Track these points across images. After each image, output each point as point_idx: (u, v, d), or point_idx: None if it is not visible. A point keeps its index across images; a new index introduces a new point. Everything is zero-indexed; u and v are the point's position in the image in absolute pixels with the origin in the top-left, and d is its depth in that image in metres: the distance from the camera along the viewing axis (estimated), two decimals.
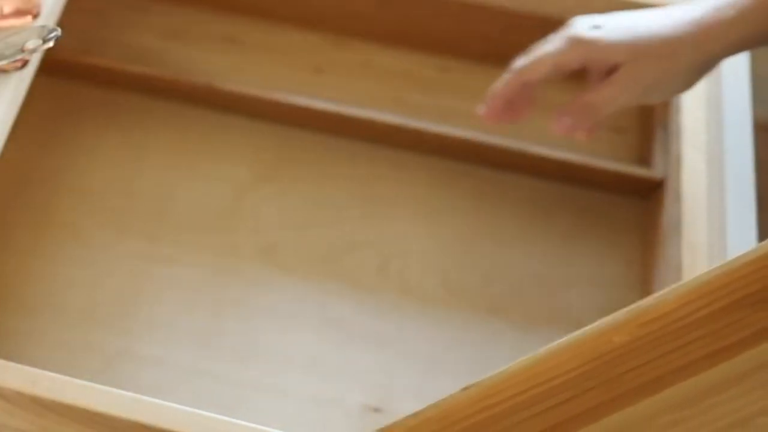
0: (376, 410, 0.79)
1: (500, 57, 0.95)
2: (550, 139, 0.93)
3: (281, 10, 1.00)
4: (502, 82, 0.77)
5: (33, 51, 0.69)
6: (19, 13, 0.73)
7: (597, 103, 0.73)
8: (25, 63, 0.72)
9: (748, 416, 0.56)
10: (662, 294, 0.56)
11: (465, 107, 0.97)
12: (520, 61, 0.76)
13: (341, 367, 0.81)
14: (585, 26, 0.73)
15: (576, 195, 0.91)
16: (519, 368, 0.57)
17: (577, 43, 0.73)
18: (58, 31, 0.69)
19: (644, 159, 0.92)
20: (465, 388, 0.58)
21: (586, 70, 0.75)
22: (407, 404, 0.79)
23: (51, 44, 0.68)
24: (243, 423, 0.66)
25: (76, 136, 0.93)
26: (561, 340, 0.57)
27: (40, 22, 0.74)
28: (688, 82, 0.74)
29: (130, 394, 0.66)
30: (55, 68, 0.92)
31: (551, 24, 0.89)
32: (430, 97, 0.97)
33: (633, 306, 0.56)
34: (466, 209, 0.91)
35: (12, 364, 0.67)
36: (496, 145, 0.91)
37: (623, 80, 0.72)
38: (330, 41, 1.00)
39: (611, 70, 0.72)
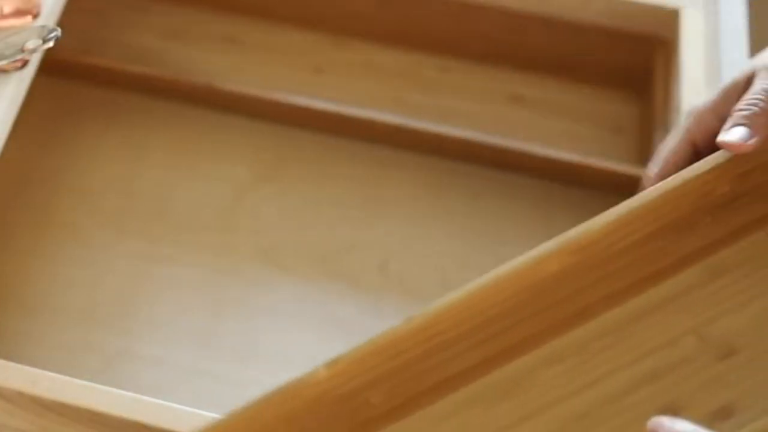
0: None
1: (500, 57, 0.96)
2: (550, 139, 0.93)
3: (281, 10, 1.00)
4: (640, 190, 0.63)
5: (33, 51, 0.69)
6: (19, 13, 0.73)
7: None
8: (25, 63, 0.73)
9: (675, 337, 0.59)
10: (589, 223, 0.59)
11: (465, 107, 0.97)
12: (652, 165, 0.65)
13: None
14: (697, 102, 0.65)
15: (576, 195, 0.91)
16: (456, 300, 0.59)
17: (702, 112, 0.63)
18: (58, 31, 0.69)
19: (644, 159, 0.92)
20: (408, 320, 0.59)
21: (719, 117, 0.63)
22: None
23: (51, 44, 0.68)
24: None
25: (76, 136, 0.93)
26: (496, 271, 0.59)
27: (40, 22, 0.74)
28: None
29: (130, 394, 0.66)
30: (55, 68, 0.92)
31: (552, 24, 0.90)
32: (430, 97, 0.97)
33: (562, 235, 0.59)
34: (466, 209, 0.91)
35: (12, 364, 0.67)
36: (496, 144, 0.91)
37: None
38: (330, 41, 1.00)
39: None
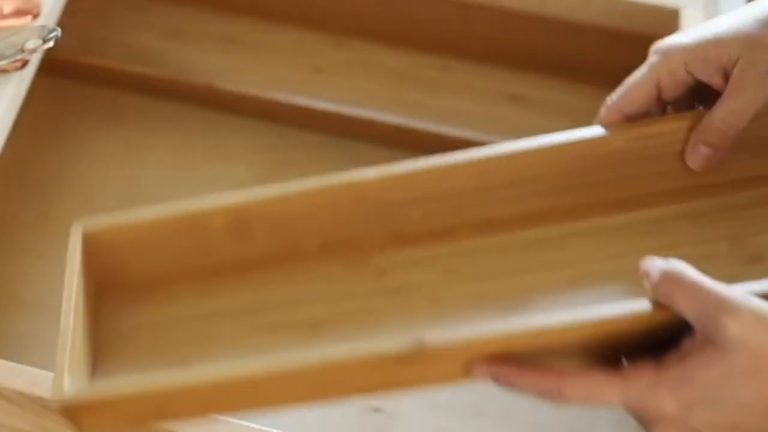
0: (376, 410, 0.79)
1: (500, 57, 0.96)
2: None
3: (281, 10, 1.00)
4: (599, 120, 0.66)
5: (33, 51, 0.69)
6: (19, 13, 0.73)
7: (728, 121, 0.62)
8: (25, 63, 0.73)
9: (710, 239, 0.64)
10: (659, 118, 0.65)
11: (465, 107, 0.97)
12: (613, 95, 0.65)
13: None
14: (671, 38, 0.63)
15: None
16: (518, 149, 0.65)
17: (674, 50, 0.62)
18: (58, 31, 0.69)
19: None
20: (465, 152, 0.65)
21: (691, 81, 0.64)
22: (407, 404, 0.79)
23: (51, 44, 0.68)
24: (243, 423, 0.66)
25: (76, 136, 0.93)
26: (564, 134, 0.66)
27: (40, 22, 0.74)
28: None
29: None
30: (55, 68, 0.92)
31: (551, 24, 0.90)
32: (430, 97, 0.97)
33: (631, 123, 0.64)
34: None
35: (12, 364, 0.67)
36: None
37: (746, 80, 0.60)
38: (330, 41, 1.00)
39: (726, 76, 0.62)
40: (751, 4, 0.63)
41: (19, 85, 0.73)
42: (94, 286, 0.66)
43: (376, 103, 0.95)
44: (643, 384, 0.53)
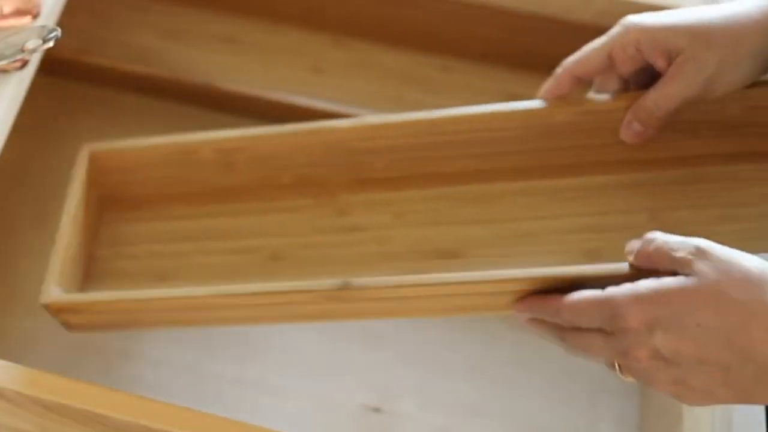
0: (376, 410, 0.79)
1: (500, 57, 0.96)
2: None
3: (281, 10, 1.00)
4: (552, 79, 0.72)
5: (33, 51, 0.69)
6: (19, 13, 0.73)
7: (659, 103, 0.69)
8: (25, 63, 0.73)
9: (632, 210, 0.72)
10: (605, 96, 0.72)
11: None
12: (571, 57, 0.72)
13: (341, 367, 0.81)
14: (637, 15, 0.69)
15: None
16: (472, 112, 0.74)
17: (632, 26, 0.68)
18: (58, 31, 0.69)
19: None
20: (429, 112, 0.74)
21: (640, 58, 0.69)
22: (407, 404, 0.80)
23: (51, 44, 0.68)
24: (243, 423, 0.66)
25: (76, 136, 0.93)
26: (513, 104, 0.73)
27: (40, 22, 0.74)
28: (753, 71, 0.68)
29: (130, 394, 0.66)
30: (55, 68, 0.92)
31: (552, 24, 0.90)
32: (430, 97, 0.97)
33: (581, 97, 0.72)
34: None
35: (12, 364, 0.67)
36: None
37: (684, 71, 0.67)
38: (330, 41, 1.00)
39: (669, 61, 0.67)
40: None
41: (19, 85, 0.73)
42: (94, 201, 0.75)
43: (376, 103, 0.95)
44: (620, 297, 0.58)
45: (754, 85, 0.69)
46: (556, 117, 0.72)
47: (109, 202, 0.77)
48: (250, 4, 1.01)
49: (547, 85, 0.73)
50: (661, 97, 0.68)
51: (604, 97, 0.72)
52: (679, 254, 0.58)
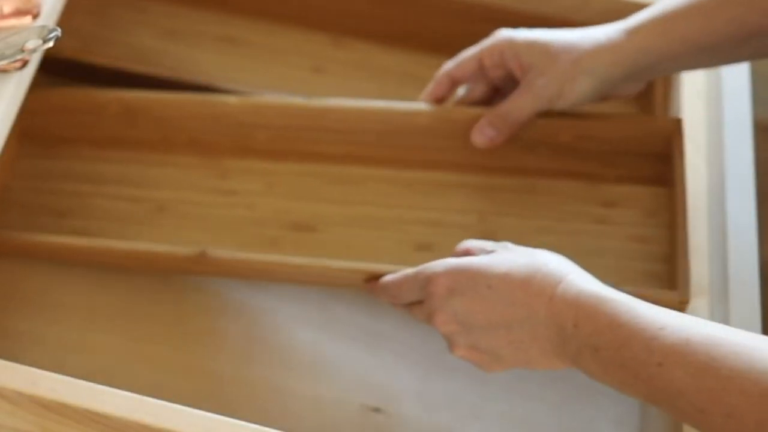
0: (376, 410, 0.79)
1: None
2: None
3: (281, 10, 1.00)
4: (432, 81, 0.84)
5: (33, 51, 0.69)
6: (19, 13, 0.73)
7: (512, 113, 0.80)
8: (25, 63, 0.72)
9: (467, 210, 0.85)
10: (471, 107, 0.85)
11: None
12: (448, 63, 0.84)
13: (341, 367, 0.81)
14: (508, 30, 0.80)
15: None
16: (349, 105, 0.86)
17: (498, 39, 0.80)
18: (58, 31, 0.69)
19: None
20: (310, 99, 0.88)
21: (506, 73, 0.81)
22: (407, 404, 0.79)
23: (51, 44, 0.68)
24: (243, 423, 0.66)
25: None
26: (381, 102, 0.87)
27: (40, 22, 0.74)
28: (592, 90, 0.78)
29: (130, 394, 0.66)
30: (55, 68, 0.92)
31: (551, 24, 0.90)
32: None
33: (445, 107, 0.86)
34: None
35: (12, 364, 0.67)
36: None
37: (533, 86, 0.78)
38: (330, 41, 1.00)
39: (526, 71, 0.78)
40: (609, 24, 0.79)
41: (19, 85, 0.73)
42: (15, 135, 0.85)
43: None
44: (433, 266, 0.70)
45: (587, 117, 0.82)
46: (417, 118, 0.85)
47: (29, 137, 0.88)
48: (250, 4, 1.00)
49: (429, 86, 0.85)
50: (514, 108, 0.79)
51: (461, 107, 0.84)
52: (489, 247, 0.70)
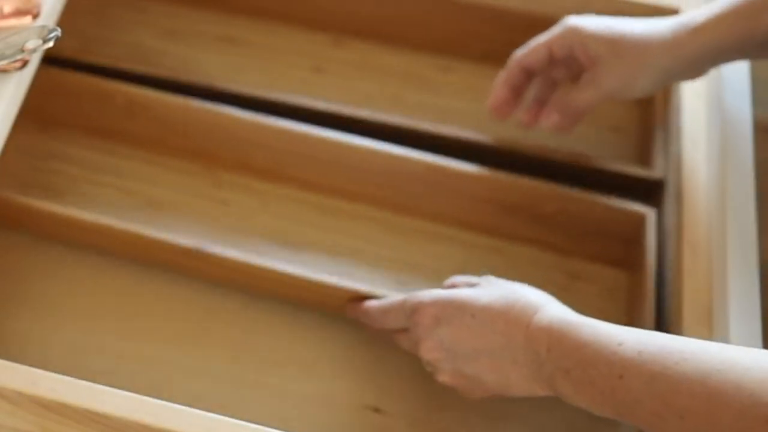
0: (376, 410, 0.79)
1: (500, 57, 0.95)
2: (550, 139, 0.93)
3: (281, 10, 1.00)
4: (505, 70, 0.86)
5: (33, 51, 0.69)
6: (19, 13, 0.73)
7: (579, 103, 0.82)
8: (25, 63, 0.72)
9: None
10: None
11: (465, 107, 0.97)
12: (519, 50, 0.85)
13: (341, 367, 0.81)
14: (578, 17, 0.82)
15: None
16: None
17: (567, 28, 0.82)
18: (58, 31, 0.69)
19: (644, 159, 0.92)
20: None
21: (575, 63, 0.83)
22: (407, 404, 0.79)
23: (51, 44, 0.68)
24: (243, 423, 0.66)
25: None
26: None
27: (40, 22, 0.74)
28: (653, 84, 0.81)
29: (130, 394, 0.66)
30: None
31: (551, 24, 0.90)
32: (430, 97, 0.97)
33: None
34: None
35: (12, 364, 0.67)
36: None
37: (597, 78, 0.81)
38: (330, 41, 1.00)
39: (593, 62, 0.80)
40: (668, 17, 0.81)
41: (19, 85, 0.73)
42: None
43: (376, 103, 0.95)
44: (420, 296, 0.74)
45: (570, 195, 0.86)
46: (413, 167, 0.87)
47: (29, 114, 0.86)
48: (250, 4, 1.01)
49: (501, 74, 0.86)
50: (578, 98, 0.82)
51: (454, 164, 0.87)
52: (474, 281, 0.74)
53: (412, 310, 0.74)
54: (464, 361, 0.71)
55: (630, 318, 0.83)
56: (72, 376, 0.67)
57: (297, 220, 0.88)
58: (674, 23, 0.80)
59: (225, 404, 0.78)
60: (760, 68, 0.92)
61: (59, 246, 0.86)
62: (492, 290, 0.71)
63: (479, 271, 0.77)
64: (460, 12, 0.97)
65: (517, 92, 0.86)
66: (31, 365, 0.67)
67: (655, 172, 0.88)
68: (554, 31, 0.83)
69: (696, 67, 0.80)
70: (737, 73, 0.88)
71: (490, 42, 0.98)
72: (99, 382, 0.67)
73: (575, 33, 0.81)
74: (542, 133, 0.90)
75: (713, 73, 0.88)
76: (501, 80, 0.86)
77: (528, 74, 0.85)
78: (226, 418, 0.66)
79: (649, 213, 0.85)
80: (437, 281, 0.80)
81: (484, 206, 0.87)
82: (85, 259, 0.85)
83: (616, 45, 0.80)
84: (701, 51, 0.78)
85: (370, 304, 0.78)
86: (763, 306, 0.75)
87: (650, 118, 0.93)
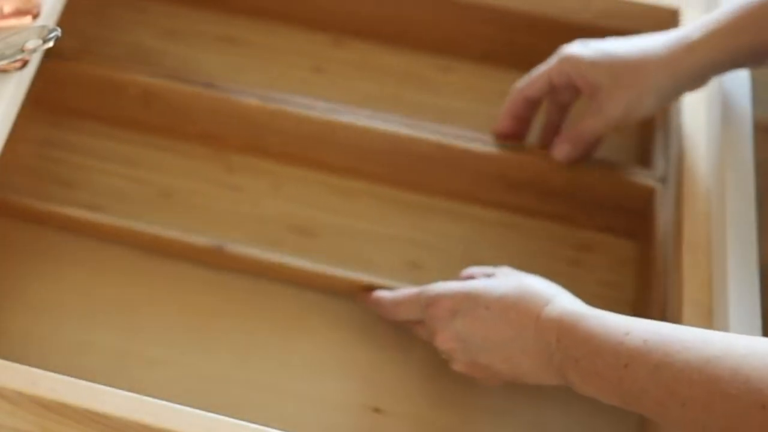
0: (376, 410, 0.79)
1: (500, 57, 0.96)
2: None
3: (281, 10, 1.00)
4: (508, 101, 0.87)
5: (33, 51, 0.69)
6: (19, 13, 0.73)
7: (586, 132, 0.84)
8: (25, 63, 0.72)
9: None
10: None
11: (465, 107, 0.97)
12: (521, 81, 0.86)
13: (341, 367, 0.81)
14: (574, 46, 0.83)
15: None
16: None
17: (565, 59, 0.83)
18: (58, 31, 0.69)
19: (644, 159, 0.92)
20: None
21: (577, 89, 0.84)
22: (407, 404, 0.79)
23: (51, 44, 0.68)
24: (243, 423, 0.66)
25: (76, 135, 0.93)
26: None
27: (40, 22, 0.74)
28: (662, 101, 0.82)
29: (130, 394, 0.66)
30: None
31: (551, 24, 0.90)
32: (430, 97, 0.97)
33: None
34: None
35: (12, 364, 0.67)
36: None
37: (603, 109, 0.82)
38: (330, 41, 1.00)
39: (594, 90, 0.82)
40: (667, 31, 0.82)
41: (19, 85, 0.73)
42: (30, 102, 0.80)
43: (376, 103, 0.95)
44: (436, 289, 0.76)
45: (580, 168, 0.86)
46: (422, 146, 0.88)
47: (41, 104, 0.90)
48: (250, 4, 1.01)
49: (504, 106, 0.87)
50: (587, 128, 0.83)
51: (463, 143, 0.87)
52: (489, 272, 0.77)
53: (428, 303, 0.76)
54: (478, 351, 0.73)
55: (639, 289, 0.85)
56: (72, 376, 0.67)
57: (309, 202, 0.89)
58: (670, 40, 0.80)
59: (225, 404, 0.78)
60: (760, 69, 0.92)
61: (57, 243, 0.86)
62: (505, 282, 0.73)
63: (491, 247, 0.83)
64: (460, 12, 0.97)
65: (522, 122, 0.87)
66: (31, 365, 0.67)
67: (655, 172, 0.88)
68: (551, 61, 0.84)
69: (695, 81, 0.81)
70: (737, 74, 0.88)
71: (490, 42, 0.98)
72: (98, 382, 0.67)
73: (572, 63, 0.82)
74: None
75: None
76: (505, 111, 0.87)
77: (531, 104, 0.86)
78: (226, 418, 0.66)
79: (658, 186, 0.85)
80: (449, 260, 0.84)
81: (495, 182, 0.88)
82: (85, 257, 0.85)
83: (615, 71, 0.80)
84: (698, 66, 0.79)
85: (383, 294, 0.80)
86: (763, 306, 0.75)
87: (650, 118, 0.93)
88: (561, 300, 0.70)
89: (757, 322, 0.73)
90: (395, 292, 0.80)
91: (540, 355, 0.69)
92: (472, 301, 0.73)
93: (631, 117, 0.82)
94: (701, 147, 0.86)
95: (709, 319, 0.74)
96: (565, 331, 0.67)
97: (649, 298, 0.81)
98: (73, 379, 0.67)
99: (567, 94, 0.85)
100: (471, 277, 0.77)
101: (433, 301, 0.76)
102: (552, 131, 0.88)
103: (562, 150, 0.85)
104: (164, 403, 0.66)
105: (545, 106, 0.87)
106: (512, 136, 0.87)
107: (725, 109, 0.85)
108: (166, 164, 0.91)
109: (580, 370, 0.65)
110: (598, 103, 0.82)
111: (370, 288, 0.82)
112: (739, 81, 0.88)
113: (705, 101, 0.88)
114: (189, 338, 0.82)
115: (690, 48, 0.79)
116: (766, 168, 0.88)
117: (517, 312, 0.71)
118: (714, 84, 0.88)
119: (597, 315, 0.66)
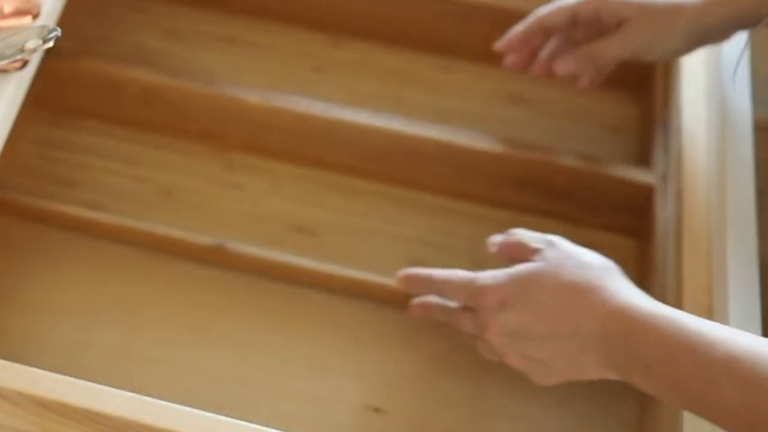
0: (376, 410, 0.79)
1: (500, 57, 0.95)
2: (550, 139, 0.93)
3: (281, 10, 1.00)
4: (522, 24, 0.85)
5: (33, 51, 0.69)
6: (19, 13, 0.73)
7: (599, 52, 0.82)
8: (25, 63, 0.72)
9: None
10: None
11: (465, 107, 0.97)
12: (543, 8, 0.84)
13: (341, 367, 0.81)
14: None
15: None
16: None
17: None
18: (58, 31, 0.69)
19: (644, 159, 0.92)
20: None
21: (598, 29, 0.82)
22: (407, 404, 0.79)
23: (51, 44, 0.68)
24: (243, 423, 0.66)
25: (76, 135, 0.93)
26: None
27: (40, 22, 0.74)
28: (683, 47, 0.82)
29: (130, 394, 0.66)
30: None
31: None
32: (430, 97, 0.97)
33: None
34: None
35: (12, 364, 0.67)
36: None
37: (626, 34, 0.80)
38: (330, 41, 1.00)
39: (621, 24, 0.80)
40: None
41: (19, 85, 0.73)
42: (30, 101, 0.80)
43: (376, 103, 0.95)
44: (482, 278, 0.70)
45: (584, 169, 0.86)
46: (424, 145, 0.87)
47: (41, 103, 0.90)
48: (250, 4, 1.01)
49: (517, 27, 0.85)
50: (602, 48, 0.81)
51: (466, 141, 0.87)
52: (534, 244, 0.71)
53: (477, 292, 0.71)
54: (529, 345, 0.68)
55: (639, 287, 0.83)
56: (72, 375, 0.67)
57: (309, 201, 0.89)
58: None
59: (225, 404, 0.78)
60: (761, 68, 0.92)
61: (57, 243, 0.86)
62: (560, 267, 0.68)
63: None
64: (460, 12, 0.97)
65: (529, 47, 0.85)
66: (31, 365, 0.67)
67: (655, 172, 0.88)
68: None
69: (722, 33, 0.80)
70: (737, 74, 0.88)
71: (490, 42, 0.98)
72: (98, 382, 0.67)
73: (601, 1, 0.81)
74: (542, 134, 0.90)
75: (713, 73, 0.88)
76: (516, 32, 0.85)
77: (546, 33, 0.84)
78: (226, 418, 0.66)
79: (659, 184, 0.86)
80: (451, 257, 0.84)
81: (498, 181, 0.88)
82: (85, 257, 0.85)
83: (645, 9, 0.80)
84: (729, 16, 0.78)
85: (434, 270, 0.75)
86: (763, 306, 0.75)
87: (650, 117, 0.93)
88: (626, 294, 0.65)
89: (757, 320, 0.73)
90: (448, 270, 0.74)
91: (600, 352, 0.65)
92: (521, 293, 0.68)
93: (648, 53, 0.81)
94: (701, 146, 0.86)
95: (709, 318, 0.74)
96: (633, 330, 0.63)
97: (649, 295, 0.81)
98: (73, 379, 0.67)
99: (584, 31, 0.83)
100: (518, 249, 0.72)
101: (481, 290, 0.70)
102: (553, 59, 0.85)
103: (566, 64, 0.83)
104: (164, 403, 0.66)
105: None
106: (513, 63, 0.86)
107: (725, 109, 0.85)
108: (166, 163, 0.91)
109: (651, 374, 0.62)
110: (623, 31, 0.80)
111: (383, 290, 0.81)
112: (739, 81, 0.87)
113: (705, 101, 0.88)
114: (189, 337, 0.82)
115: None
116: (766, 168, 0.88)
117: (576, 306, 0.66)
118: (714, 84, 0.88)
119: (673, 316, 0.62)
